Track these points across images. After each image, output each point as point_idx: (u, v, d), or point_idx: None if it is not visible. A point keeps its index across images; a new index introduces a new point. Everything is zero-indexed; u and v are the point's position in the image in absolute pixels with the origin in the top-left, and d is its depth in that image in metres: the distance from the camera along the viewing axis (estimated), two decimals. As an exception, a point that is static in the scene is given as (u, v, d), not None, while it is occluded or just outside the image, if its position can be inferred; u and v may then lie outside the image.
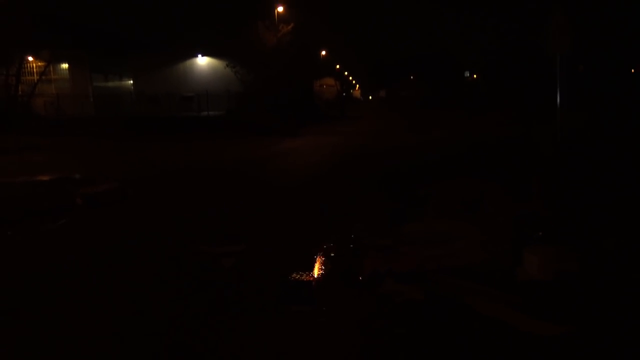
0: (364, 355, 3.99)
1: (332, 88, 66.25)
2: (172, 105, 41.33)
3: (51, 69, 41.25)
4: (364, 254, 5.93)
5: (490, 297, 4.57)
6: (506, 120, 26.16)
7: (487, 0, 28.70)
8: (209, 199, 10.48)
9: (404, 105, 60.24)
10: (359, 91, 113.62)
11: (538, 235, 5.88)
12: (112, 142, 23.26)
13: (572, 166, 9.88)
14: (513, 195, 8.12)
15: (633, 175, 8.79)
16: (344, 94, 68.51)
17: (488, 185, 8.86)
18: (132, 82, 49.66)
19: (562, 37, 11.39)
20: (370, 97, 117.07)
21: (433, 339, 4.11)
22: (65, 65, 44.54)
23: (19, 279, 5.89)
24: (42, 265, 6.30)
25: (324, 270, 5.81)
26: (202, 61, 47.66)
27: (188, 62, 47.89)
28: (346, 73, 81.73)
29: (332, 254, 6.40)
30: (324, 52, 54.58)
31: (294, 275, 5.09)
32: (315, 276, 5.53)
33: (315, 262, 6.04)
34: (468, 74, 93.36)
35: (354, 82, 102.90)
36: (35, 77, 38.02)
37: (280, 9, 36.99)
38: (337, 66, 67.65)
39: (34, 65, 39.82)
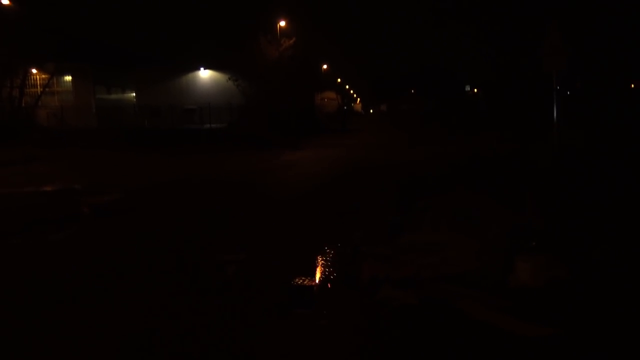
0: (362, 355, 4.21)
1: (333, 101, 66.65)
2: (175, 117, 41.66)
3: (55, 81, 41.71)
4: (363, 261, 6.17)
5: (481, 301, 4.80)
6: (505, 135, 26.41)
7: (486, 17, 29.00)
8: (211, 209, 10.71)
9: (405, 119, 60.54)
10: (360, 105, 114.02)
11: (531, 245, 6.10)
12: (115, 154, 23.51)
13: (567, 180, 10.11)
14: (508, 207, 8.33)
15: (625, 189, 9.03)
16: (345, 108, 68.81)
17: (484, 198, 9.08)
18: (134, 94, 50.06)
19: (558, 55, 11.63)
20: (371, 111, 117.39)
21: (427, 341, 4.36)
22: (68, 78, 44.97)
23: (28, 285, 6.11)
24: (50, 272, 6.54)
25: (325, 276, 6.05)
26: (205, 74, 48.03)
27: (190, 75, 48.27)
28: (347, 87, 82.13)
29: (333, 261, 6.64)
30: (325, 66, 54.98)
31: (296, 280, 5.31)
32: (317, 281, 5.78)
33: (317, 269, 6.29)
34: (469, 89, 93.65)
35: (355, 95, 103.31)
36: (39, 89, 38.43)
37: (282, 23, 37.41)
38: (339, 80, 68.03)
39: (38, 77, 40.23)
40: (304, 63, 39.74)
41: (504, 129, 30.25)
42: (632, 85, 36.20)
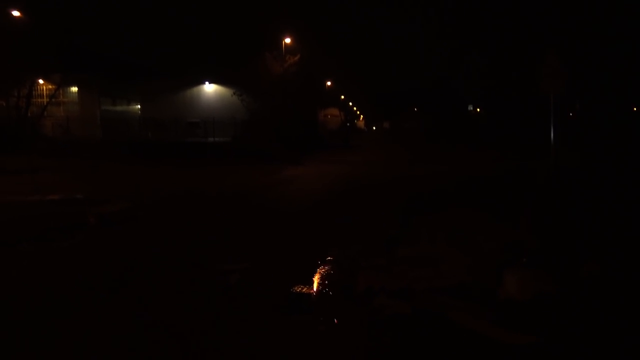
0: (356, 357, 4.48)
1: (336, 118, 67.06)
2: (179, 130, 41.94)
3: (61, 92, 42.04)
4: (360, 273, 6.44)
5: (470, 312, 5.07)
6: (505, 154, 26.71)
7: (487, 38, 29.38)
8: (214, 221, 10.97)
9: (407, 137, 60.84)
10: (363, 122, 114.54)
11: (522, 261, 6.36)
12: (120, 165, 23.82)
13: (561, 199, 10.36)
14: (503, 224, 8.60)
15: (617, 209, 9.29)
16: (348, 124, 69.23)
17: (480, 215, 9.36)
18: (139, 106, 50.40)
19: (556, 78, 11.89)
20: (374, 128, 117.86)
21: (418, 347, 4.64)
22: (74, 89, 45.33)
23: (37, 292, 6.37)
24: (57, 280, 6.80)
25: (323, 285, 6.33)
26: (210, 88, 48.37)
27: (195, 89, 48.61)
28: (350, 103, 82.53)
29: (331, 272, 6.92)
30: (329, 83, 55.38)
31: (295, 288, 5.60)
32: (315, 290, 6.05)
33: (315, 279, 6.57)
34: (471, 107, 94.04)
35: (358, 112, 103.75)
36: (45, 100, 38.75)
37: (287, 40, 37.84)
38: (342, 96, 68.43)
39: (44, 87, 40.56)
40: (308, 79, 40.10)
41: (505, 148, 30.57)
42: (635, 109, 36.43)
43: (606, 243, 7.11)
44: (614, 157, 19.82)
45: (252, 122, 38.19)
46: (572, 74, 13.28)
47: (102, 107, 46.74)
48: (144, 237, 9.40)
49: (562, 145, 12.84)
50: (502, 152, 28.77)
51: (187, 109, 46.86)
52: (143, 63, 54.56)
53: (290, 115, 36.67)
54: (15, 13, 31.58)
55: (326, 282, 6.46)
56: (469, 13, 28.48)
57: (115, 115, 47.04)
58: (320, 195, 15.00)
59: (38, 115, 36.77)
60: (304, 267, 7.06)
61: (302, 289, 5.60)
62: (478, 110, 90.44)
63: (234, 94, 40.15)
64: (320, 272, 6.86)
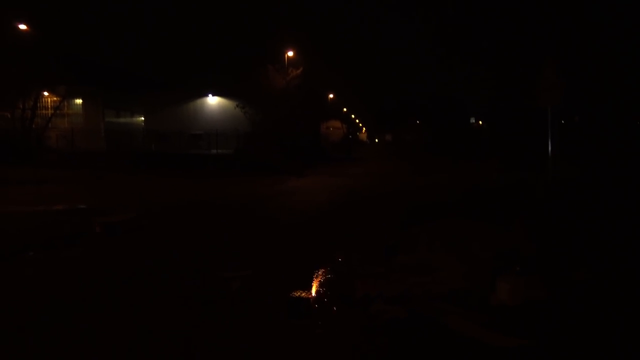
0: (352, 358, 4.68)
1: (338, 130, 67.45)
2: (182, 142, 42.23)
3: (65, 104, 42.41)
4: (358, 279, 6.64)
5: (464, 317, 5.27)
6: (506, 166, 26.90)
7: (487, 52, 29.67)
8: (217, 230, 11.17)
9: (409, 149, 61.03)
10: (366, 134, 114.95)
11: (516, 269, 6.55)
12: (124, 176, 24.08)
13: (558, 210, 10.56)
14: (500, 234, 8.79)
15: (612, 219, 9.49)
16: (350, 137, 69.56)
17: (478, 224, 9.56)
18: (143, 118, 50.76)
19: (553, 90, 12.08)
20: (377, 140, 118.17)
21: (411, 349, 4.85)
22: (79, 101, 45.72)
23: (43, 298, 6.58)
24: (63, 285, 7.00)
25: (322, 291, 6.53)
26: (213, 101, 48.72)
27: (199, 101, 48.99)
28: (353, 116, 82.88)
29: (330, 279, 7.13)
30: (331, 95, 55.75)
31: (294, 293, 5.82)
32: (314, 296, 6.26)
33: (314, 285, 6.77)
34: (474, 120, 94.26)
35: (360, 124, 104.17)
36: (50, 111, 39.10)
37: (290, 53, 38.19)
38: (344, 109, 68.81)
39: (49, 99, 40.91)
40: (311, 92, 40.41)
41: (506, 160, 30.74)
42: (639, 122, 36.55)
43: (598, 251, 7.32)
44: (613, 169, 20.00)
45: (254, 134, 38.44)
46: (571, 86, 13.46)
47: (106, 119, 47.10)
48: (148, 245, 9.60)
49: (561, 158, 13.02)
50: (503, 164, 28.94)
51: (190, 121, 47.22)
52: (147, 75, 55.02)
53: (292, 128, 36.94)
54: (22, 26, 32.01)
55: (325, 288, 6.67)
56: (468, 26, 28.79)
57: (119, 127, 47.41)
58: (321, 206, 15.18)
59: (43, 127, 37.11)
60: (303, 275, 7.26)
61: (300, 293, 5.82)
62: (480, 122, 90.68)
63: (237, 106, 40.45)
64: (319, 280, 7.06)
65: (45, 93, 39.39)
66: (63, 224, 11.22)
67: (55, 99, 40.57)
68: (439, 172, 27.31)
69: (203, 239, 10.23)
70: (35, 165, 26.30)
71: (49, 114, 38.39)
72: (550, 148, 12.33)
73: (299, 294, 5.80)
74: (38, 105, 36.28)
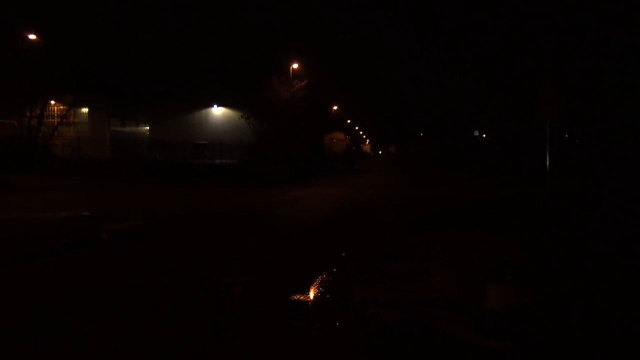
0: (348, 357, 4.94)
1: (342, 142, 67.71)
2: (186, 152, 42.55)
3: (72, 112, 42.81)
4: (356, 285, 6.87)
5: (454, 320, 5.51)
6: (508, 179, 27.13)
7: (491, 67, 30.00)
8: (220, 238, 11.42)
9: (412, 161, 61.28)
10: (369, 145, 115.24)
11: (508, 277, 6.76)
12: (129, 185, 24.38)
13: (555, 223, 10.75)
14: (496, 244, 9.00)
15: (608, 231, 9.69)
16: (354, 148, 69.82)
17: (476, 235, 9.78)
18: (148, 128, 51.10)
19: (552, 105, 12.28)
20: (380, 152, 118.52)
21: (404, 350, 5.09)
22: (85, 110, 46.16)
23: (51, 302, 6.82)
24: (71, 290, 7.25)
25: (320, 296, 6.78)
26: (218, 111, 49.05)
27: (204, 112, 49.32)
28: (357, 128, 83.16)
29: (328, 285, 7.38)
30: (335, 107, 56.08)
31: (293, 297, 6.07)
32: (313, 299, 6.52)
33: (313, 291, 7.01)
34: (477, 133, 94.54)
35: (364, 136, 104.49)
36: (56, 120, 39.43)
37: (295, 65, 38.56)
38: (348, 121, 69.12)
39: (55, 108, 41.30)
40: (315, 104, 40.77)
41: (508, 173, 30.98)
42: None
43: (590, 262, 7.52)
44: (613, 183, 20.16)
45: (258, 145, 38.77)
46: (572, 101, 13.68)
47: (111, 128, 47.51)
48: (153, 252, 9.83)
49: (564, 171, 13.22)
50: (505, 177, 29.15)
51: (195, 130, 47.53)
52: (152, 85, 55.47)
53: (296, 139, 37.26)
54: (30, 36, 32.45)
55: (323, 293, 6.91)
56: (471, 42, 29.15)
57: (124, 136, 47.78)
58: (324, 215, 15.42)
59: (49, 135, 37.43)
60: (303, 281, 7.48)
61: (299, 297, 6.08)
62: (484, 136, 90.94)
63: (242, 117, 40.80)
64: (318, 285, 7.29)
65: (52, 102, 39.76)
66: (70, 231, 11.46)
67: (61, 107, 40.98)
68: (441, 184, 27.56)
69: (206, 246, 10.46)
70: (42, 173, 26.62)
71: (56, 123, 38.74)
72: (548, 162, 12.51)
73: (298, 297, 6.04)
74: (45, 113, 36.62)
